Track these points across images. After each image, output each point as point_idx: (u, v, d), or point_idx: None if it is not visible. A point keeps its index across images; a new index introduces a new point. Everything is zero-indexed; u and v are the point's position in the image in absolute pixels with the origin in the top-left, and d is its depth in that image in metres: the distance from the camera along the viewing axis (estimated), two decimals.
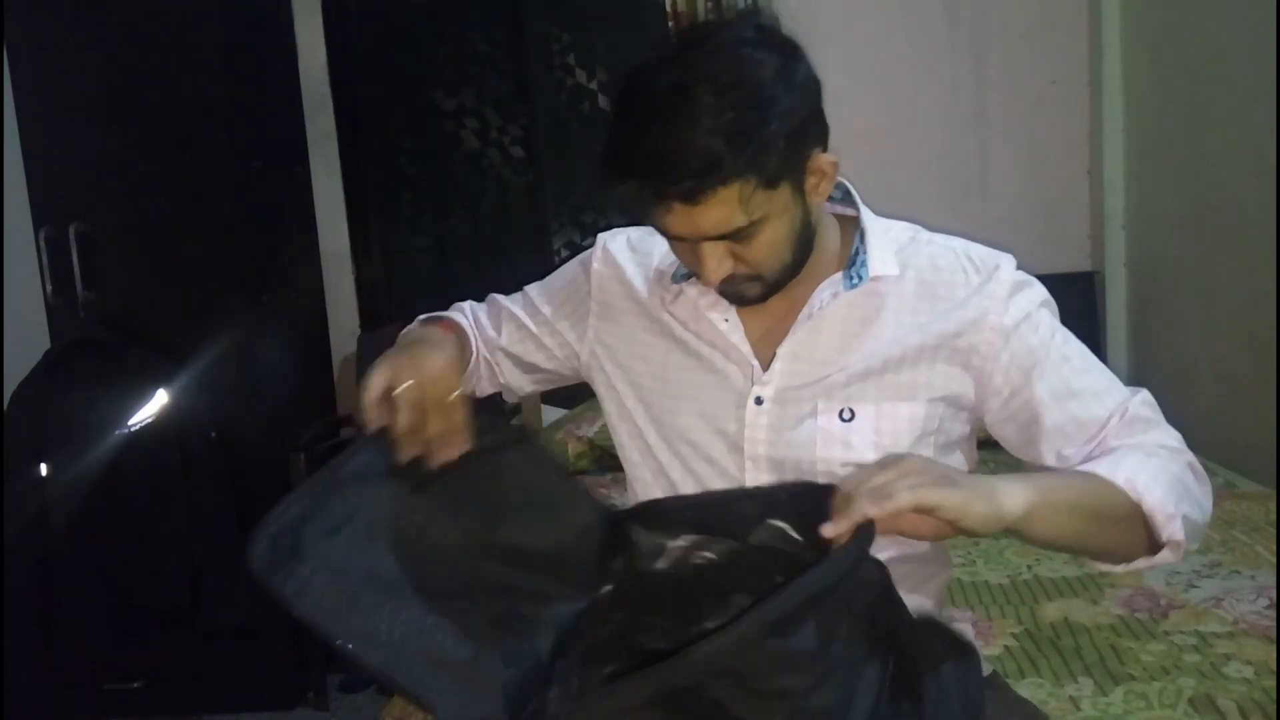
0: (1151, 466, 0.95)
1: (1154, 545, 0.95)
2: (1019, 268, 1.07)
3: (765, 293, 1.03)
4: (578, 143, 3.40)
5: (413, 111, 3.46)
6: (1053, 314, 1.06)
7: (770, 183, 0.94)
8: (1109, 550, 0.97)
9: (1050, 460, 1.03)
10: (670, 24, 2.98)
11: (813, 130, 0.97)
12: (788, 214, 0.98)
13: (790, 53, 0.95)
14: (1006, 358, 1.03)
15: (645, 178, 0.93)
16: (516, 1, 3.32)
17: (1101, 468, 0.95)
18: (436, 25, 3.40)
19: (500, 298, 1.28)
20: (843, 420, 1.03)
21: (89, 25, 2.65)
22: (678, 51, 0.94)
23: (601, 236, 1.23)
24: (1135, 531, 0.94)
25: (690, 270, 1.05)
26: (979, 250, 1.08)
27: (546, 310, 1.22)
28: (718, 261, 0.98)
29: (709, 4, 2.91)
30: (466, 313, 1.26)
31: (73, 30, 2.65)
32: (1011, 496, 0.85)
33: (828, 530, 0.80)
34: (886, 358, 1.03)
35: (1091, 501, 0.92)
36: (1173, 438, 1.01)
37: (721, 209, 0.93)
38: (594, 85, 3.38)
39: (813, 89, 0.97)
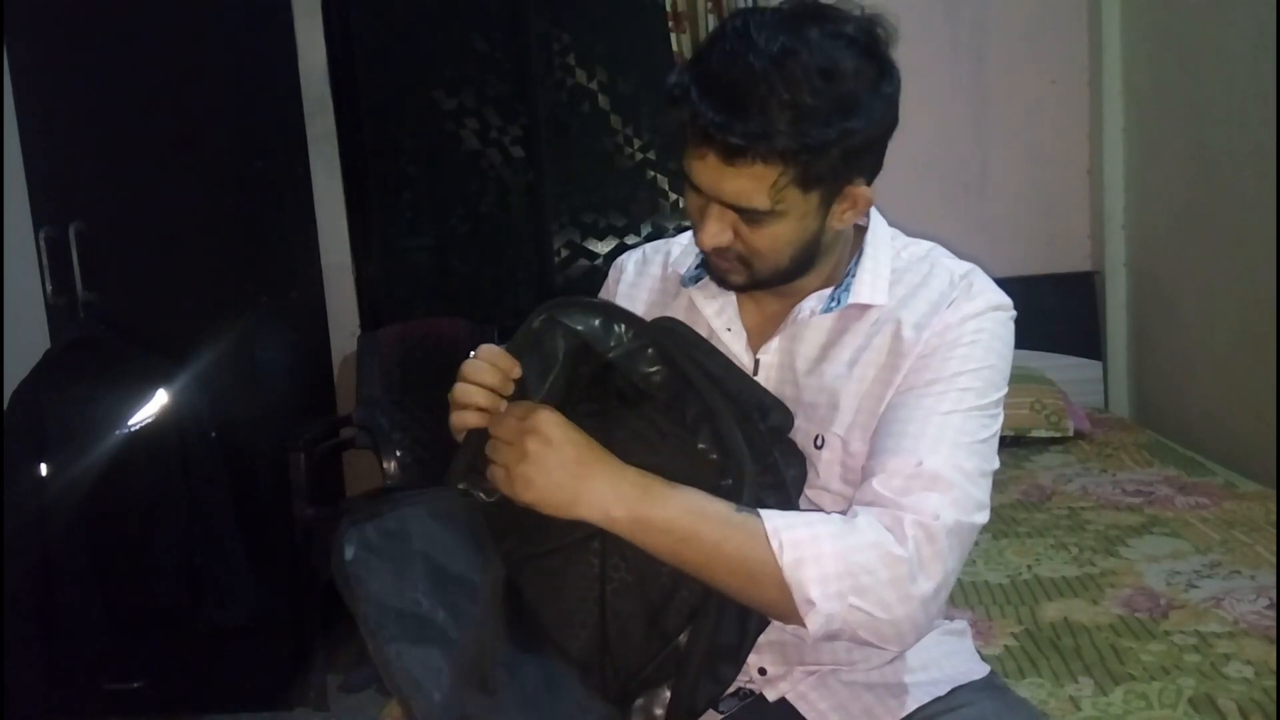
0: (831, 545, 0.87)
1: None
2: (1017, 274, 1.05)
3: (748, 284, 1.02)
4: (578, 143, 3.40)
5: (413, 111, 3.46)
6: (985, 375, 0.98)
7: (805, 185, 0.92)
8: (730, 596, 0.91)
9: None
10: (670, 24, 2.98)
11: (869, 159, 0.96)
12: (804, 222, 0.96)
13: (889, 74, 0.94)
14: (921, 365, 0.98)
15: (702, 111, 0.90)
16: (516, 1, 3.33)
17: (776, 520, 0.88)
18: (436, 25, 3.40)
19: None
20: (815, 447, 1.02)
21: (89, 25, 2.64)
22: (798, 18, 0.92)
23: (619, 259, 1.24)
24: (767, 593, 0.88)
25: (692, 226, 1.02)
26: (983, 280, 1.04)
27: None
28: (719, 229, 0.96)
29: (709, 4, 2.92)
30: None
31: (73, 31, 2.65)
32: (594, 510, 0.89)
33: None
34: (860, 391, 1.01)
35: (713, 543, 0.87)
36: (945, 518, 0.90)
37: (749, 183, 0.91)
38: (594, 85, 3.38)
39: (890, 120, 0.95)
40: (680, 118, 0.93)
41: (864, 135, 0.92)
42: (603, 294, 1.22)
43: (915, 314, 1.01)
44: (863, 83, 0.91)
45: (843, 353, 1.03)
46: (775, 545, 0.87)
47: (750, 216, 0.94)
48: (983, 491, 0.95)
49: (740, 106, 0.88)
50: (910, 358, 0.99)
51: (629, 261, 1.22)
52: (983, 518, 0.95)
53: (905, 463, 0.93)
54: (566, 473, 0.89)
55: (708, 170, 0.93)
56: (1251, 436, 2.40)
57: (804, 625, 0.88)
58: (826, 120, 0.89)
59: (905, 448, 0.94)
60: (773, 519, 0.89)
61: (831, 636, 0.90)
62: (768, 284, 1.02)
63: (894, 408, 0.98)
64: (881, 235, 1.08)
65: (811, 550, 0.87)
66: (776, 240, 0.96)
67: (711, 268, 1.04)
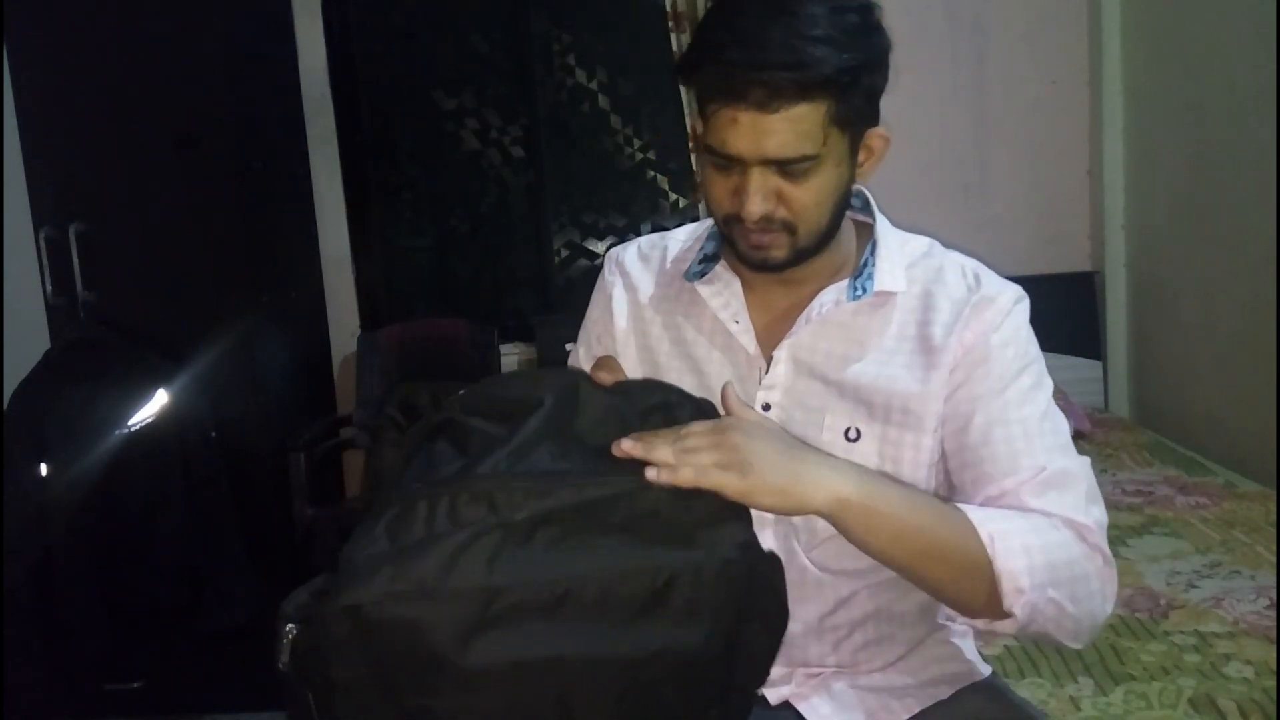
0: (1034, 539, 0.89)
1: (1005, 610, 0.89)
2: (1017, 274, 1.05)
3: (790, 257, 0.99)
4: (578, 143, 3.40)
5: (413, 111, 3.46)
6: (1037, 364, 1.01)
7: (843, 121, 0.92)
8: (934, 589, 0.92)
9: (962, 489, 0.99)
10: (670, 24, 2.98)
11: (876, 107, 0.97)
12: (839, 169, 0.96)
13: (881, 26, 0.95)
14: (976, 376, 0.99)
15: (735, 64, 0.88)
16: (516, 1, 3.33)
17: (978, 513, 0.89)
18: (436, 25, 3.40)
19: None
20: (848, 439, 1.01)
21: (89, 25, 2.65)
22: None
23: (612, 251, 1.20)
24: (976, 585, 0.88)
25: (722, 214, 0.99)
26: (990, 275, 1.05)
27: (604, 342, 1.16)
28: (765, 194, 0.94)
29: (709, 4, 2.91)
30: None
31: (73, 31, 2.65)
32: (821, 490, 0.83)
33: (622, 447, 0.81)
34: (892, 377, 1.01)
35: (931, 532, 0.87)
36: (1093, 518, 0.94)
37: (796, 125, 0.90)
38: (594, 85, 3.38)
39: (887, 71, 0.96)
40: (703, 82, 0.92)
41: (880, 71, 0.93)
42: (600, 286, 1.18)
43: (942, 313, 1.02)
44: (867, 17, 0.93)
45: (869, 347, 1.03)
46: (985, 537, 0.87)
47: (795, 169, 0.92)
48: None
49: (770, 47, 0.88)
50: (948, 354, 0.99)
51: (627, 256, 1.18)
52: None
53: (1033, 467, 0.95)
54: (784, 455, 0.84)
55: (744, 131, 0.91)
56: (1251, 436, 2.40)
57: (1006, 617, 0.89)
58: (850, 45, 0.90)
59: (1024, 459, 0.95)
60: (972, 512, 0.89)
61: (1027, 628, 0.90)
62: (806, 254, 1.00)
63: (988, 424, 0.97)
64: (888, 227, 1.08)
65: (1018, 541, 0.88)
66: (820, 192, 0.95)
67: (746, 251, 0.99)
